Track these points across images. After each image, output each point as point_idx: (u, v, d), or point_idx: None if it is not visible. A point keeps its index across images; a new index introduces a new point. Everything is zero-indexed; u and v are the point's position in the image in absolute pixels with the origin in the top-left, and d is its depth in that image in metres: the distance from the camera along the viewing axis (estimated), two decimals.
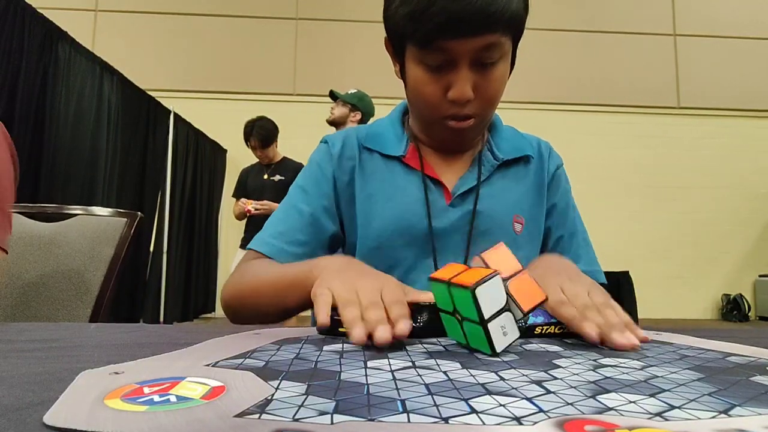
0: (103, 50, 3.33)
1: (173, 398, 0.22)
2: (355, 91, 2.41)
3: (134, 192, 3.55)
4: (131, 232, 1.00)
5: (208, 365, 0.30)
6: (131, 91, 3.39)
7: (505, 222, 0.69)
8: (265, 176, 2.67)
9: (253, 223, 2.66)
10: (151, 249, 3.76)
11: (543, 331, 0.47)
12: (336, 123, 2.40)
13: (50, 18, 2.51)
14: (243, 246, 2.68)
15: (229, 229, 4.95)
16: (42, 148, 2.48)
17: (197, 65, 5.35)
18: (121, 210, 1.04)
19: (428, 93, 0.62)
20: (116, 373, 0.28)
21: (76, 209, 1.01)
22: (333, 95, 2.42)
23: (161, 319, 3.92)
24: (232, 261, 2.75)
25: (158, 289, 3.89)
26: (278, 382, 0.27)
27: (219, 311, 5.09)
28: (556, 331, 0.47)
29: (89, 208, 1.03)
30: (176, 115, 4.09)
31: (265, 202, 2.55)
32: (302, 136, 4.71)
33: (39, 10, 2.42)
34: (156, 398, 0.22)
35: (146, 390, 0.24)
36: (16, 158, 0.73)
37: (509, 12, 0.56)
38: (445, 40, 0.56)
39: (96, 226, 0.99)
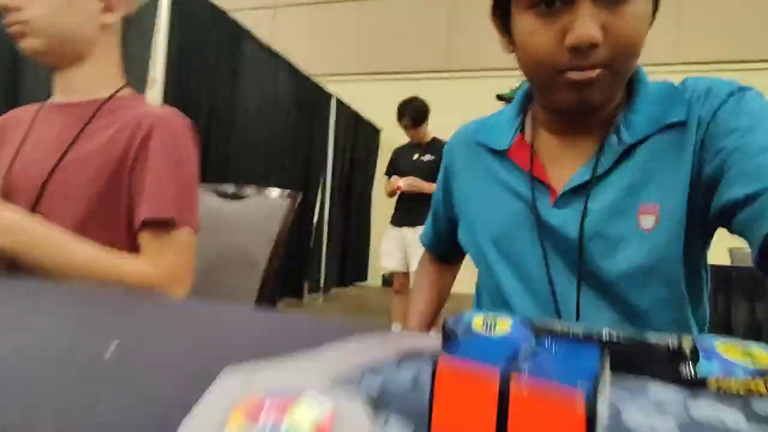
0: (279, 44, 3.73)
1: (284, 428, 0.21)
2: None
3: (300, 174, 3.95)
4: (293, 210, 1.10)
5: (329, 377, 0.30)
6: (298, 79, 3.73)
7: (626, 218, 0.53)
8: (415, 156, 2.70)
9: (403, 201, 2.72)
10: (314, 224, 4.17)
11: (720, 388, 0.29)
12: None
13: (236, 20, 2.89)
14: (393, 222, 2.78)
15: (382, 206, 5.21)
16: (229, 139, 2.92)
17: (356, 48, 5.65)
18: (286, 190, 1.14)
19: (540, 43, 0.49)
20: (252, 371, 0.29)
21: (250, 189, 1.14)
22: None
23: (321, 284, 4.36)
24: (383, 236, 2.86)
25: (319, 259, 4.33)
26: (386, 416, 0.24)
27: (371, 280, 5.44)
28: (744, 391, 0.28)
29: (262, 188, 1.15)
30: (337, 99, 4.39)
31: (415, 178, 2.58)
32: (454, 113, 4.68)
33: (226, 13, 2.80)
34: (269, 428, 0.22)
35: (266, 404, 0.24)
36: (198, 148, 0.86)
37: None
38: None
39: (266, 206, 1.10)
